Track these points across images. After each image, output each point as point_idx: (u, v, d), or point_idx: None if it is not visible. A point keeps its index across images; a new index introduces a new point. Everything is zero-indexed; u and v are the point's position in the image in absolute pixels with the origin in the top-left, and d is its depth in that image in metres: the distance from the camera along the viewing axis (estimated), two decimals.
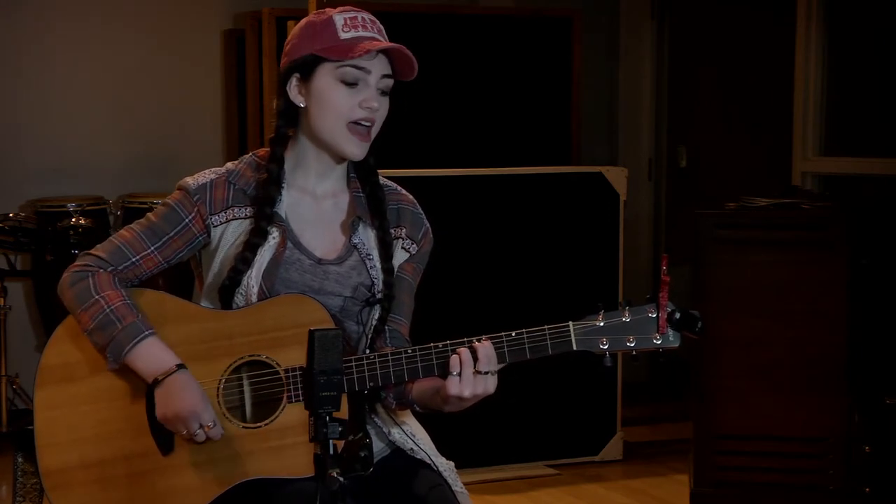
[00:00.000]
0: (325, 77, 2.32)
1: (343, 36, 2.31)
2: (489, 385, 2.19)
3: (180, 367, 2.24)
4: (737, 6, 6.07)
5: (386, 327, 2.39)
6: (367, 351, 2.35)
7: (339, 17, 2.33)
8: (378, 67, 2.32)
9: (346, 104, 2.31)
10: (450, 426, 3.14)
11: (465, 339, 2.20)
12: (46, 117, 5.61)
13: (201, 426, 2.21)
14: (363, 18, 2.34)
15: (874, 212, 4.30)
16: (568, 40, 5.62)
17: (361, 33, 2.31)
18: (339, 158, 2.40)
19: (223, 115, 5.94)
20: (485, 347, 2.18)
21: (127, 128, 5.76)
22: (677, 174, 6.48)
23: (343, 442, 1.93)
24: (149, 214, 2.39)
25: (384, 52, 2.32)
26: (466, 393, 2.18)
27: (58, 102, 5.63)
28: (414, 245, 2.45)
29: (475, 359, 2.18)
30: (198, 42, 5.89)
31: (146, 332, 2.25)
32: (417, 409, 2.34)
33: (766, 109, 5.85)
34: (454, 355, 2.18)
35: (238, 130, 5.87)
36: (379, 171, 2.46)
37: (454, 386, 2.18)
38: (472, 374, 2.18)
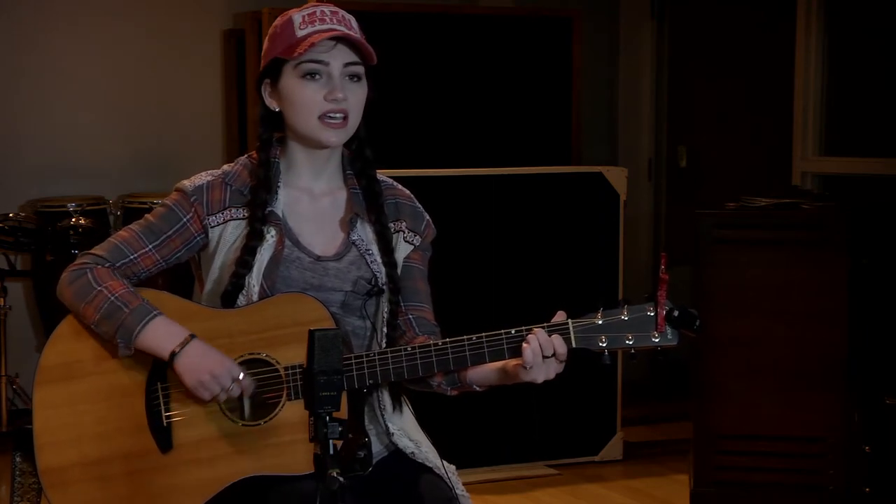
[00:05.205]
0: (289, 77, 2.33)
1: (299, 33, 2.31)
2: (558, 368, 2.22)
3: (194, 336, 2.24)
4: (737, 6, 6.06)
5: (410, 316, 2.40)
6: (384, 344, 2.36)
7: (298, 15, 2.34)
8: (339, 57, 2.32)
9: (312, 99, 2.31)
10: (450, 426, 3.14)
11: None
12: (46, 117, 5.61)
13: (234, 380, 2.22)
14: (322, 12, 2.33)
15: (874, 212, 4.30)
16: (568, 40, 5.62)
17: (318, 27, 2.31)
18: (327, 154, 2.40)
19: (223, 115, 5.94)
20: (555, 338, 2.20)
21: (127, 128, 5.75)
22: (677, 174, 6.47)
23: (342, 441, 1.93)
24: (147, 215, 2.39)
25: (345, 39, 2.31)
26: (539, 379, 2.22)
27: (58, 102, 5.62)
28: (417, 237, 2.46)
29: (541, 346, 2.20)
30: (198, 42, 5.88)
31: (154, 313, 2.26)
32: (477, 388, 2.34)
33: (766, 109, 5.85)
34: (526, 344, 2.19)
35: (238, 130, 5.86)
36: (379, 170, 2.46)
37: (525, 374, 2.21)
38: (541, 360, 2.20)
